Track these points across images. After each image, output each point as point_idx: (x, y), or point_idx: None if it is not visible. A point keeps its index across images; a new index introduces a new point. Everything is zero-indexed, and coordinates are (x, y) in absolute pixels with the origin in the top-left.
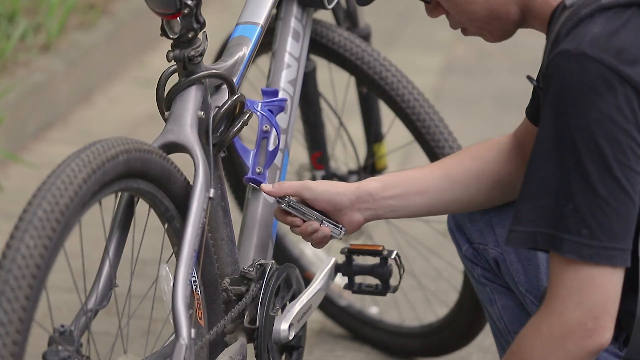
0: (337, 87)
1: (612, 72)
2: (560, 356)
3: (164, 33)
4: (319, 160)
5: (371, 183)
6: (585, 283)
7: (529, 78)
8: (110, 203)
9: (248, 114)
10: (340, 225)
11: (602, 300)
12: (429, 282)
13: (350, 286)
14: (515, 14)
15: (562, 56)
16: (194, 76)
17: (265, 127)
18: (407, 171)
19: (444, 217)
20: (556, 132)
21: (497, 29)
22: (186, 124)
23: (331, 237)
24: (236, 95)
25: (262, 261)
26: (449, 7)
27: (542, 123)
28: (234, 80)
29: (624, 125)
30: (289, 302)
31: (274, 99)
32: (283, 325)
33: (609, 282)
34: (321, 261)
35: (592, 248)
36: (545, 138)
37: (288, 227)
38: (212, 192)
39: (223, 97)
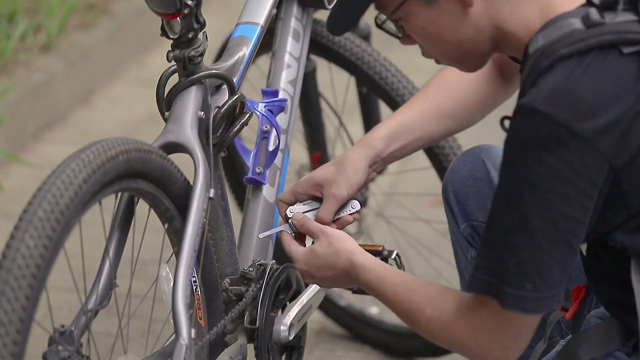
0: (337, 87)
1: (564, 129)
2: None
3: (164, 33)
4: (319, 160)
5: (375, 144)
6: (516, 327)
7: (502, 124)
8: (110, 203)
9: (248, 114)
10: (354, 202)
11: (524, 340)
12: None
13: None
14: (489, 49)
15: (518, 111)
16: (194, 76)
17: (265, 127)
18: (401, 116)
19: (444, 217)
20: (507, 186)
21: (470, 63)
22: (186, 124)
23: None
24: (236, 96)
25: (262, 261)
26: (421, 43)
27: (499, 173)
28: (234, 81)
29: (574, 180)
30: (289, 302)
31: (274, 99)
32: (283, 326)
33: (535, 323)
34: None
35: (536, 301)
36: (499, 189)
37: None
38: (212, 192)
39: (223, 97)
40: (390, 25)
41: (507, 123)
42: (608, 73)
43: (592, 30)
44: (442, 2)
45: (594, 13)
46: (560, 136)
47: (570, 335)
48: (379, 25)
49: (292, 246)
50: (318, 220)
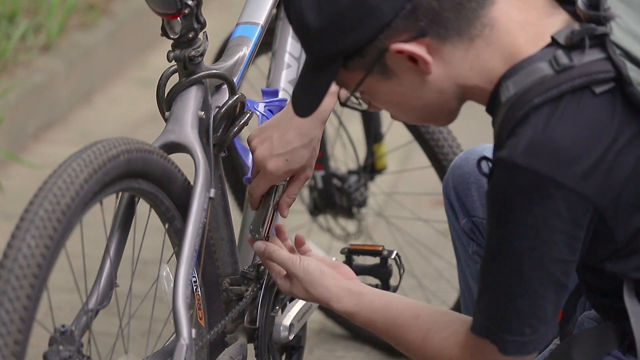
0: None
1: (546, 180)
2: None
3: (164, 33)
4: (319, 160)
5: (327, 117)
6: None
7: (479, 166)
8: (111, 203)
9: (248, 114)
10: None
11: None
12: (429, 282)
13: None
14: (456, 105)
15: (498, 165)
16: (194, 76)
17: None
18: None
19: (444, 216)
20: (496, 238)
21: (441, 120)
22: (187, 124)
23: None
24: (236, 96)
25: None
26: (387, 110)
27: (487, 222)
28: (235, 81)
29: (561, 227)
30: (289, 302)
31: (274, 99)
32: (283, 325)
33: (534, 356)
34: None
35: (535, 341)
36: (488, 241)
37: (288, 227)
38: (212, 192)
39: (223, 97)
40: (354, 99)
41: (483, 165)
42: (584, 117)
43: (563, 75)
44: (400, 73)
45: (562, 56)
46: (544, 188)
47: (560, 337)
48: (343, 103)
49: (279, 281)
50: (289, 196)
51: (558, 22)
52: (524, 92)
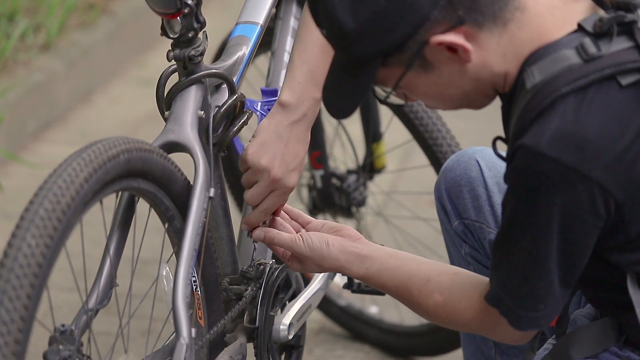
0: None
1: (572, 171)
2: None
3: (164, 33)
4: (318, 159)
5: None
6: (530, 333)
7: (494, 146)
8: (111, 202)
9: (248, 114)
10: None
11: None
12: None
13: (349, 286)
14: (493, 92)
15: (522, 152)
16: (194, 76)
17: None
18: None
19: None
20: (515, 223)
21: (478, 104)
22: (186, 123)
23: None
24: (236, 95)
25: (262, 261)
26: (425, 102)
27: (505, 202)
28: (234, 80)
29: (582, 216)
30: (289, 302)
31: (274, 98)
32: (283, 325)
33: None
34: None
35: (547, 315)
36: (507, 224)
37: None
38: (212, 192)
39: (223, 97)
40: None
41: (499, 145)
42: (611, 109)
43: (591, 65)
44: (439, 65)
45: (590, 45)
46: (567, 178)
47: (555, 335)
48: (383, 101)
49: (289, 263)
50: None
51: (583, 7)
52: (551, 80)
